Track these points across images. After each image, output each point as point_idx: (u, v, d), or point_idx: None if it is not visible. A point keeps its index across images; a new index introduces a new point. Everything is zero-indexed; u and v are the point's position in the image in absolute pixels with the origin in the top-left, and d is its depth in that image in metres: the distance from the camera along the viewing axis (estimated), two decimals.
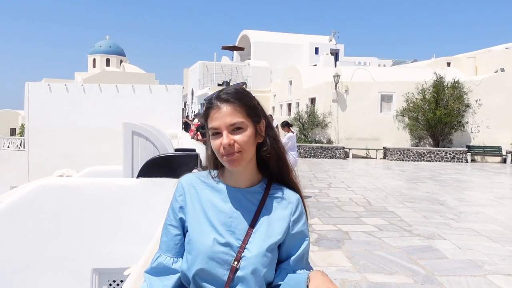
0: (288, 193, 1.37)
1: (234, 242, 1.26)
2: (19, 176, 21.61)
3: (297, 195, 1.37)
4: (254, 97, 1.33)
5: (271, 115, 17.17)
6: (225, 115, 1.24)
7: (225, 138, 1.22)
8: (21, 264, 6.08)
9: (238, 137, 1.24)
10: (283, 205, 1.33)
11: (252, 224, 1.28)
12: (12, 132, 43.59)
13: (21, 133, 34.04)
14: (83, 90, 23.30)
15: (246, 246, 1.26)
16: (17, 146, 23.52)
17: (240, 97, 1.27)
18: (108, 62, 55.15)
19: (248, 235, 1.27)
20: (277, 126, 15.92)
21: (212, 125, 1.25)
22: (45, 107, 23.15)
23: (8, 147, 23.56)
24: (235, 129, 1.24)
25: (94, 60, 55.62)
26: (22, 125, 36.91)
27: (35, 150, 22.97)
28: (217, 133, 1.25)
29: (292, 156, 8.68)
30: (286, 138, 8.72)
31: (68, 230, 6.08)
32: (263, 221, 1.29)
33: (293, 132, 8.89)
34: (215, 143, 1.25)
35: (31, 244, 6.17)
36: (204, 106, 1.32)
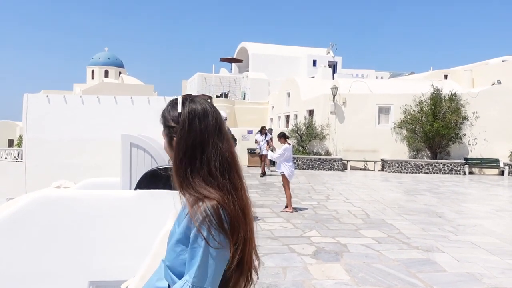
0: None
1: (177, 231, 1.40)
2: (16, 187, 21.49)
3: (195, 218, 1.31)
4: (172, 116, 1.42)
5: (264, 127, 17.14)
6: None
7: None
8: (18, 276, 6.03)
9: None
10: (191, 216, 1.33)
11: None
12: (10, 143, 43.48)
13: (19, 144, 33.96)
14: (82, 101, 23.35)
15: None
16: (15, 157, 23.42)
17: (162, 114, 1.47)
18: (106, 74, 55.27)
19: None
20: (271, 139, 15.97)
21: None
22: (43, 118, 23.16)
23: (6, 158, 23.46)
24: None
25: (93, 71, 55.72)
26: (20, 136, 36.84)
27: (33, 161, 22.91)
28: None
29: (287, 167, 8.66)
30: (282, 149, 8.72)
31: (65, 242, 6.04)
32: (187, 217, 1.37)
33: (289, 144, 8.91)
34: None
35: (28, 256, 6.12)
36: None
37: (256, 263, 1.44)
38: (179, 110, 1.39)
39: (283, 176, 8.71)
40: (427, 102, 19.35)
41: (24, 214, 6.22)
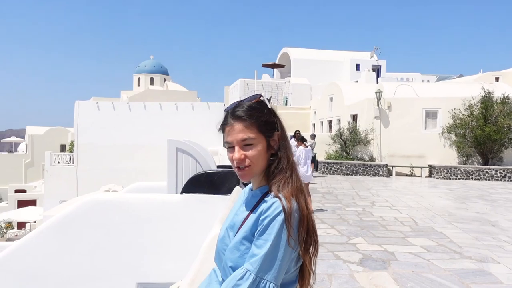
0: (271, 205, 1.29)
1: (231, 235, 1.38)
2: (68, 190, 22.49)
3: (276, 212, 1.27)
4: (268, 110, 1.39)
5: (297, 132, 16.97)
6: (237, 132, 1.34)
7: (236, 153, 1.34)
8: (70, 277, 6.27)
9: (249, 153, 1.34)
10: (259, 214, 1.31)
11: (243, 223, 1.35)
12: (62, 148, 45.53)
13: (71, 150, 35.47)
14: (129, 108, 24.19)
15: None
16: (67, 161, 24.52)
17: (252, 114, 1.35)
18: (152, 81, 56.85)
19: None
20: (303, 144, 15.80)
21: (226, 139, 1.38)
22: (93, 124, 24.15)
23: (59, 162, 24.61)
24: (247, 144, 1.34)
25: (139, 79, 57.47)
26: (72, 142, 38.50)
27: (83, 165, 23.92)
28: (231, 147, 1.37)
29: (300, 170, 8.63)
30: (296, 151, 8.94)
31: (113, 244, 6.23)
32: (248, 221, 1.34)
33: (306, 146, 8.95)
34: (229, 155, 1.38)
35: (78, 258, 6.36)
36: (222, 121, 1.42)
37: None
38: (269, 106, 1.40)
39: None
40: (477, 105, 18.57)
41: (75, 216, 6.48)
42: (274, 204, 1.27)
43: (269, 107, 1.39)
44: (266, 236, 1.24)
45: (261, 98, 1.41)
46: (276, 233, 1.23)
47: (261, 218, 1.28)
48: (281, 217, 1.24)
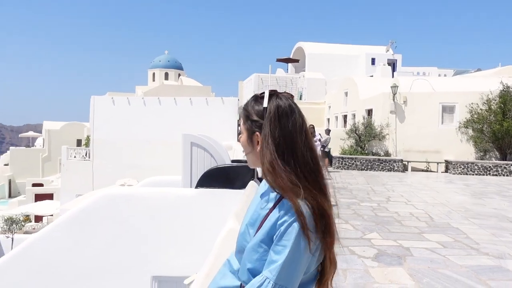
0: (288, 210, 1.27)
1: (251, 232, 1.35)
2: (84, 184, 22.79)
3: (293, 218, 1.25)
4: (256, 110, 1.41)
5: (312, 126, 16.84)
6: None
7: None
8: (86, 269, 6.36)
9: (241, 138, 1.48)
10: (277, 218, 1.29)
11: (262, 222, 1.32)
12: (78, 143, 46.11)
13: (87, 144, 35.90)
14: (144, 103, 24.33)
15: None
16: (83, 156, 24.82)
17: (244, 107, 1.46)
18: (166, 76, 57.15)
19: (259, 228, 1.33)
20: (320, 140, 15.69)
21: None
22: (109, 119, 24.36)
23: (75, 157, 24.93)
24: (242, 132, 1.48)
25: (154, 74, 57.82)
26: (88, 137, 38.96)
27: (99, 160, 24.18)
28: None
29: None
30: None
31: (129, 238, 6.29)
32: (267, 222, 1.31)
33: (315, 141, 8.83)
34: None
35: (95, 251, 6.44)
36: None
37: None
38: (265, 104, 1.37)
39: None
40: (495, 100, 18.25)
41: (91, 210, 6.56)
42: (292, 209, 1.25)
43: (264, 105, 1.37)
44: (284, 243, 1.23)
45: (262, 94, 1.41)
46: (294, 240, 1.22)
47: (278, 223, 1.26)
48: (298, 223, 1.23)
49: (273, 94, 1.40)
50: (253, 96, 1.45)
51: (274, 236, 1.26)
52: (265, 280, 1.22)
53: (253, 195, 1.54)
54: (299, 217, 1.23)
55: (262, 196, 1.41)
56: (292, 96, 1.45)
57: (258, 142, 1.39)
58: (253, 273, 1.31)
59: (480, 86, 19.38)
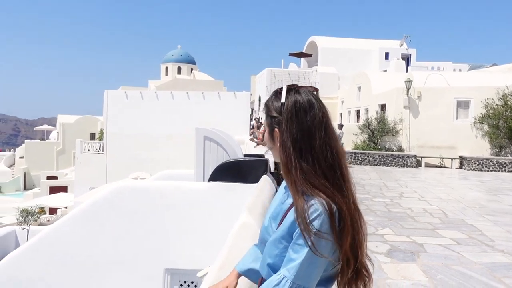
0: (309, 207, 1.25)
1: (273, 226, 1.36)
2: (98, 177, 23.04)
3: (312, 216, 1.23)
4: (275, 106, 1.38)
5: (341, 125, 16.75)
6: None
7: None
8: (99, 261, 6.43)
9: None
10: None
11: (284, 215, 1.32)
12: (92, 136, 46.58)
13: (100, 138, 36.23)
14: (157, 97, 24.45)
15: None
16: (96, 149, 25.08)
17: (266, 103, 1.44)
18: (179, 70, 57.31)
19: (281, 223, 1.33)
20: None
21: None
22: (122, 113, 24.55)
23: (89, 150, 25.20)
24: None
25: (167, 68, 58.03)
26: (101, 130, 39.33)
27: (112, 153, 24.41)
28: None
29: None
30: None
31: (142, 230, 6.34)
32: (288, 217, 1.30)
33: None
34: None
35: (108, 243, 6.51)
36: None
37: (368, 266, 1.39)
38: (283, 100, 1.34)
39: None
40: (511, 95, 17.97)
41: (105, 203, 6.62)
42: (312, 207, 1.23)
43: (282, 101, 1.34)
44: (303, 241, 1.21)
45: (280, 90, 1.39)
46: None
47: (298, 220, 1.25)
48: (317, 222, 1.20)
49: (291, 89, 1.36)
50: (274, 91, 1.43)
51: (294, 234, 1.24)
52: (283, 278, 1.21)
53: (266, 189, 1.54)
54: (315, 218, 1.21)
55: (286, 189, 1.39)
56: (316, 90, 1.40)
57: (277, 138, 1.36)
58: (273, 268, 1.30)
59: (496, 81, 19.08)
